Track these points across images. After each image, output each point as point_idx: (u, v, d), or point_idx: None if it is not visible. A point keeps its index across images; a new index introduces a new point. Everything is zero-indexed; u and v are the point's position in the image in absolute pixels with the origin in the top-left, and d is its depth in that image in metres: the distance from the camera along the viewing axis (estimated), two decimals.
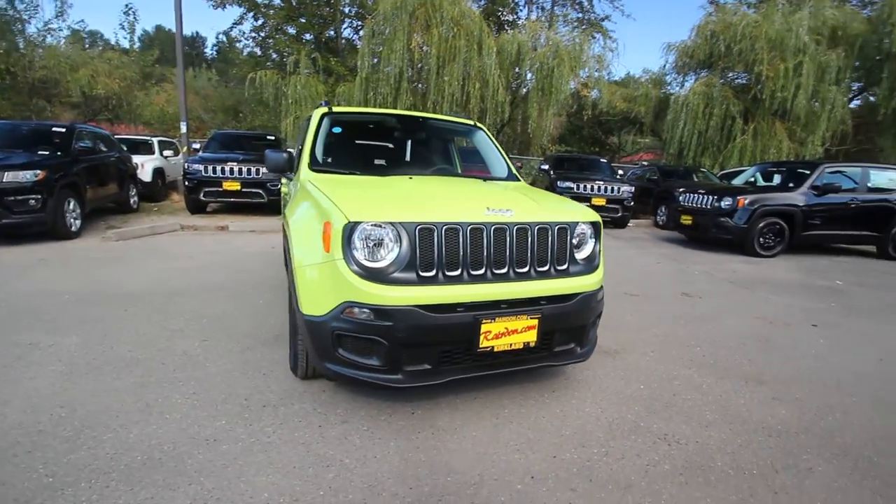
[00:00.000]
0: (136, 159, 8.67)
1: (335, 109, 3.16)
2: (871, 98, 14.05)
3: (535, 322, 1.96)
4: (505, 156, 3.39)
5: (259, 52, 17.42)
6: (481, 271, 1.93)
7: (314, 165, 2.78)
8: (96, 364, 2.45)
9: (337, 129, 3.22)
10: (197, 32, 49.11)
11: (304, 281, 1.98)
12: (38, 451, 1.72)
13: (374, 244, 1.86)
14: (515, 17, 19.53)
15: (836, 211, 7.03)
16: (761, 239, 6.89)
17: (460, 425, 2.03)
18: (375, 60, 12.63)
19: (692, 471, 1.79)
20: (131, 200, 7.85)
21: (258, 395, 2.20)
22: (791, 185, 7.35)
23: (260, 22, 16.06)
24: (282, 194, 4.40)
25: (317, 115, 3.10)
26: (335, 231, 1.86)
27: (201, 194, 7.75)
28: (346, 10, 16.99)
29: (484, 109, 13.35)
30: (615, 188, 9.39)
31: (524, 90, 14.32)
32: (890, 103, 12.07)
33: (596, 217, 2.29)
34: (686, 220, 7.72)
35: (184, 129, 9.93)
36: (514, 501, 1.58)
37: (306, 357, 2.17)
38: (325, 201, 2.04)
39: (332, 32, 16.66)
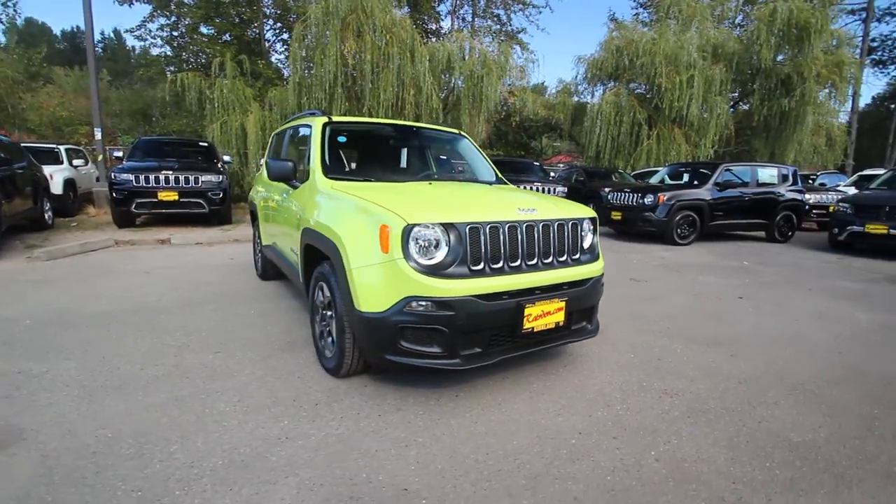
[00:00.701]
0: (45, 170, 7.72)
1: (335, 119, 3.25)
2: (745, 106, 16.57)
3: (563, 304, 2.28)
4: (490, 162, 3.70)
5: (169, 52, 16.12)
6: (517, 263, 2.21)
7: (329, 174, 2.87)
8: (113, 385, 2.34)
9: (342, 139, 3.31)
10: (77, 27, 43.70)
11: (361, 282, 2.11)
12: (108, 471, 1.68)
13: (429, 244, 2.06)
14: (439, 26, 20.18)
15: (734, 203, 8.34)
16: (678, 230, 7.95)
17: (502, 401, 2.28)
18: (310, 65, 12.40)
19: (695, 414, 2.22)
20: (46, 216, 6.99)
21: (305, 396, 2.27)
22: (696, 182, 8.57)
23: (172, 20, 14.89)
24: (258, 204, 4.33)
25: (318, 124, 3.16)
26: (394, 234, 2.03)
27: (132, 206, 7.12)
28: (267, 10, 16.39)
29: (419, 115, 13.68)
30: (551, 189, 10.18)
31: (454, 97, 14.88)
32: (762, 111, 14.36)
33: (594, 214, 2.67)
34: (616, 215, 8.64)
35: (98, 135, 9.05)
36: (575, 452, 1.88)
37: (353, 354, 2.29)
38: (373, 207, 2.19)
39: (254, 33, 15.96)
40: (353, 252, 2.18)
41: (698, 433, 2.05)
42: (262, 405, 2.17)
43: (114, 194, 7.06)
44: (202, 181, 7.44)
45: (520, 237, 2.22)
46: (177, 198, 7.28)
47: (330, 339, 2.48)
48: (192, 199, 7.40)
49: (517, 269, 2.20)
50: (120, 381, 2.38)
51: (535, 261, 2.27)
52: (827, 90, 14.36)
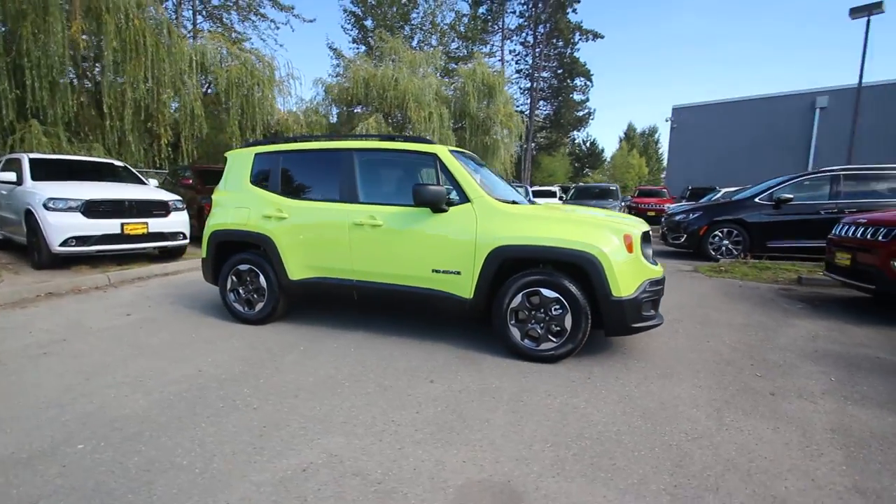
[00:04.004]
0: None
1: (451, 149, 3.46)
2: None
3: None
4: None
5: None
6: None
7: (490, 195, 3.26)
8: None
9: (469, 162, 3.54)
10: None
11: (621, 274, 2.87)
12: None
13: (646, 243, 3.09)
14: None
15: None
16: None
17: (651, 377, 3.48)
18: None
19: (757, 364, 4.04)
20: None
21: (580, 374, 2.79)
22: None
23: None
24: (276, 232, 3.64)
25: (443, 151, 3.36)
26: (636, 239, 2.93)
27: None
28: None
29: (181, 122, 11.50)
30: None
31: (222, 106, 13.11)
32: (473, 143, 19.27)
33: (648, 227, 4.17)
34: None
35: None
36: (712, 420, 3.31)
37: (586, 333, 2.99)
38: (605, 222, 2.99)
39: None
40: (612, 255, 2.91)
41: (765, 375, 3.91)
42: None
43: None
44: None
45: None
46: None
47: (544, 333, 3.05)
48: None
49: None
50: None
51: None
52: (506, 131, 20.74)
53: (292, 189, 3.75)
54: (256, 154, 3.94)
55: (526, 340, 3.09)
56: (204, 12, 18.57)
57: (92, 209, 5.72)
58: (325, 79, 21.17)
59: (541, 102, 33.47)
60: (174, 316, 4.11)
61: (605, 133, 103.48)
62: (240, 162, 4.01)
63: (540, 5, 31.22)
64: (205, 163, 12.93)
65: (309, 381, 2.75)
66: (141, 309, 4.34)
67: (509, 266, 3.10)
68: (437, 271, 3.24)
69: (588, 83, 32.45)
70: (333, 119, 19.77)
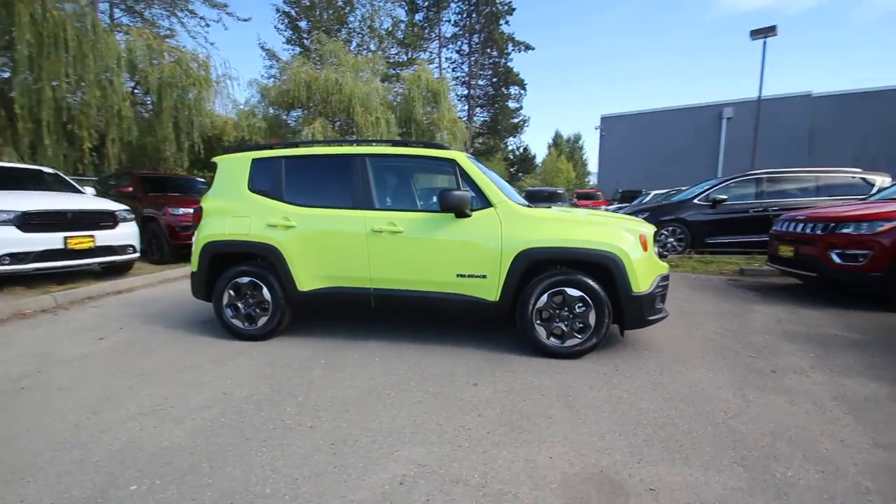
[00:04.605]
0: None
1: (467, 155, 3.49)
2: None
3: None
4: None
5: None
6: None
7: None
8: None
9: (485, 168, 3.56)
10: None
11: (640, 271, 3.07)
12: None
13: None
14: None
15: None
16: None
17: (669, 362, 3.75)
18: None
19: (747, 347, 4.43)
20: None
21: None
22: None
23: None
24: (285, 242, 3.44)
25: (461, 158, 3.38)
26: (649, 237, 3.17)
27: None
28: None
29: (106, 124, 10.40)
30: None
31: (153, 107, 11.99)
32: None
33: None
34: None
35: None
36: (739, 399, 3.66)
37: (608, 327, 3.17)
38: (621, 223, 3.18)
39: None
40: (632, 254, 3.10)
41: (777, 350, 4.31)
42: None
43: None
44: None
45: None
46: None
47: (569, 331, 3.19)
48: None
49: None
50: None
51: None
52: (451, 137, 21.01)
53: (299, 196, 3.58)
54: (254, 159, 3.71)
55: (551, 339, 3.21)
56: (122, 6, 16.89)
57: (29, 222, 5.03)
58: (261, 80, 20.30)
59: (477, 109, 34.38)
60: (157, 337, 3.73)
61: (533, 140, 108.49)
62: (234, 168, 3.75)
63: (474, 16, 32.13)
64: (132, 169, 11.82)
65: (351, 395, 2.65)
66: (111, 332, 3.89)
67: (532, 268, 3.21)
68: (462, 276, 3.27)
69: (522, 92, 33.94)
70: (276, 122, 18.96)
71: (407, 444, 2.12)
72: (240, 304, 3.62)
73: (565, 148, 55.30)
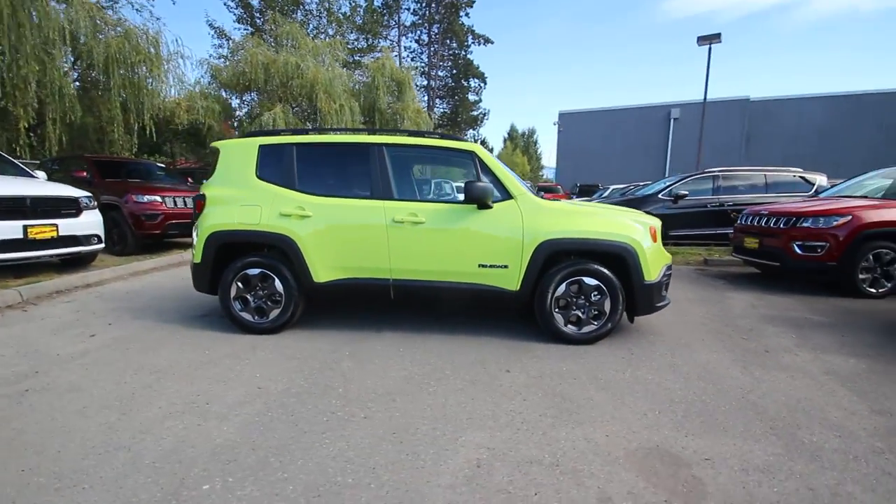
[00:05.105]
0: None
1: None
2: None
3: None
4: None
5: None
6: None
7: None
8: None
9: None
10: None
11: (651, 261, 3.27)
12: None
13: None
14: None
15: None
16: None
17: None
18: None
19: (736, 330, 4.77)
20: None
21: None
22: None
23: None
24: (303, 234, 3.34)
25: (479, 150, 3.41)
26: (657, 230, 3.38)
27: None
28: None
29: (43, 102, 9.44)
30: None
31: (95, 84, 10.96)
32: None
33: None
34: None
35: None
36: (748, 377, 3.97)
37: (621, 313, 3.35)
38: (632, 216, 3.36)
39: None
40: (644, 245, 3.29)
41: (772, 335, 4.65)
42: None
43: None
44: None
45: None
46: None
47: (586, 318, 3.35)
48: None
49: None
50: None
51: None
52: (412, 127, 20.83)
53: (313, 185, 3.47)
54: (261, 146, 3.55)
55: (569, 326, 3.36)
56: None
57: None
58: (212, 60, 19.14)
59: (437, 100, 34.27)
60: (154, 334, 3.52)
61: (490, 133, 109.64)
62: (239, 154, 3.58)
63: (434, 5, 31.86)
64: (73, 151, 10.81)
65: (391, 385, 2.66)
66: (100, 328, 3.62)
67: (551, 258, 3.33)
68: (484, 266, 3.33)
69: (482, 84, 34.16)
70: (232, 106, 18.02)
71: (466, 429, 2.18)
72: (249, 297, 3.48)
73: (520, 142, 56.50)
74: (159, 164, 9.42)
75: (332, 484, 1.75)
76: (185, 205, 7.31)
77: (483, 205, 3.29)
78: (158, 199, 6.99)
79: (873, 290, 4.96)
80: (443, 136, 3.57)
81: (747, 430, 2.20)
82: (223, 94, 17.47)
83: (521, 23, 78.63)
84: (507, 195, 3.39)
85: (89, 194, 5.74)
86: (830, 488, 1.77)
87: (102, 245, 5.78)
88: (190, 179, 9.12)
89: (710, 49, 18.09)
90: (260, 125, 14.85)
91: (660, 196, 9.26)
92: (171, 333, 3.52)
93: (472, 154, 3.45)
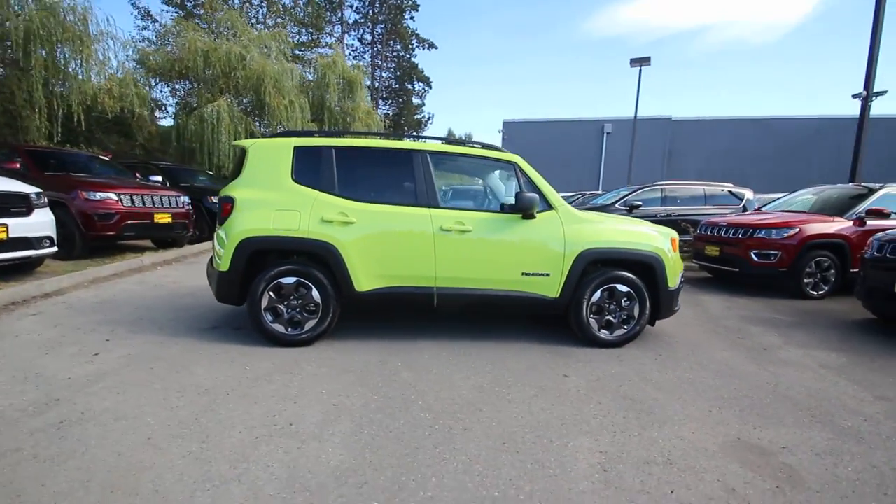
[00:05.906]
0: None
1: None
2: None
3: None
4: None
5: None
6: None
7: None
8: None
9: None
10: None
11: (674, 269, 3.57)
12: None
13: None
14: None
15: None
16: None
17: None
18: None
19: (728, 330, 5.20)
20: None
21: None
22: None
23: None
24: (348, 242, 3.21)
25: (521, 160, 3.49)
26: (676, 241, 3.71)
27: None
28: None
29: None
30: None
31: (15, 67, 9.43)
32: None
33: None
34: None
35: None
36: (766, 372, 4.39)
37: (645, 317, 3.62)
38: (655, 227, 3.64)
39: None
40: (668, 254, 3.57)
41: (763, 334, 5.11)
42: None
43: None
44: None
45: None
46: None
47: (617, 322, 3.58)
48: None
49: None
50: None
51: None
52: (363, 128, 20.39)
53: (355, 190, 3.35)
54: (297, 147, 3.36)
55: (602, 331, 3.57)
56: None
57: None
58: (139, 44, 17.42)
59: (380, 101, 33.86)
60: (169, 350, 3.19)
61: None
62: (272, 155, 3.35)
63: (378, 5, 31.50)
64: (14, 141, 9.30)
65: (466, 395, 2.66)
66: (97, 345, 3.21)
67: (588, 267, 3.53)
68: (527, 274, 3.44)
69: (426, 88, 34.33)
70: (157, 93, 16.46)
71: (569, 435, 2.26)
72: (282, 307, 3.28)
73: None
74: (103, 157, 8.38)
75: (481, 498, 1.75)
76: (143, 204, 6.60)
77: (528, 215, 3.40)
78: (114, 196, 6.25)
79: (815, 293, 5.78)
80: (484, 146, 3.62)
81: (796, 420, 2.52)
82: (152, 81, 15.90)
83: (459, 32, 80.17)
84: (548, 206, 3.52)
85: (39, 190, 5.01)
86: (888, 464, 2.09)
87: (55, 248, 5.07)
88: (138, 175, 8.19)
89: (640, 71, 19.78)
90: (202, 118, 13.73)
91: (616, 206, 9.98)
92: (190, 349, 3.21)
93: (513, 164, 3.55)
